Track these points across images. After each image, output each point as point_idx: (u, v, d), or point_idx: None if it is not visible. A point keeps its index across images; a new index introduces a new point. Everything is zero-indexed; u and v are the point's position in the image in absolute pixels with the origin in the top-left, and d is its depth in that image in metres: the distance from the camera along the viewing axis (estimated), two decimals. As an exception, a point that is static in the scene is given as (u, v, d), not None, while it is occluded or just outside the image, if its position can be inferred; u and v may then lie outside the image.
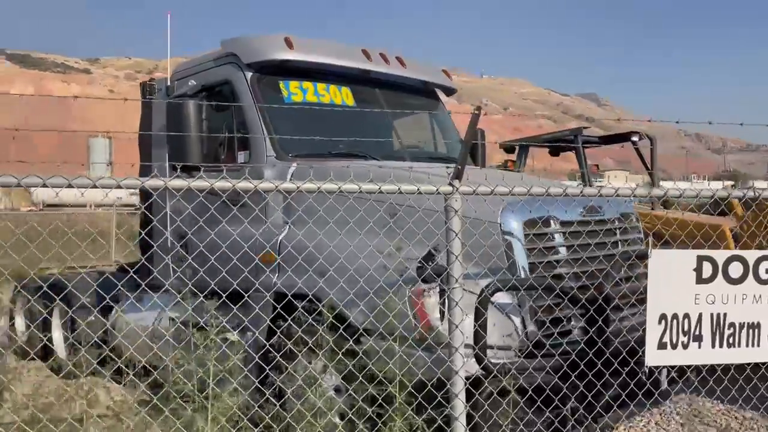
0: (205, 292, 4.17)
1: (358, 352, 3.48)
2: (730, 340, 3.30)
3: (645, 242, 4.49)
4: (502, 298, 3.52)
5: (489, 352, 3.27)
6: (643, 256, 3.30)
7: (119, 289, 5.67)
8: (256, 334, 4.36)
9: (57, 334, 7.08)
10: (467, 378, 3.14)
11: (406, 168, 4.20)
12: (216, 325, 3.95)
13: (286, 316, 3.77)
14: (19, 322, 7.88)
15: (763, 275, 3.40)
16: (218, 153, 5.07)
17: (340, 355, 3.45)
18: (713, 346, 3.26)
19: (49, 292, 5.12)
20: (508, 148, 9.30)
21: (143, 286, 5.08)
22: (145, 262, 5.28)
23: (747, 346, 3.33)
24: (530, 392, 3.24)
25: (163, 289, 4.99)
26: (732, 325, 3.31)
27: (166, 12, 5.69)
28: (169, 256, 5.23)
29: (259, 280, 4.35)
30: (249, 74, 5.02)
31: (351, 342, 3.47)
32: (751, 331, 3.34)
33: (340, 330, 3.55)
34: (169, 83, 5.71)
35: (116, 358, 4.66)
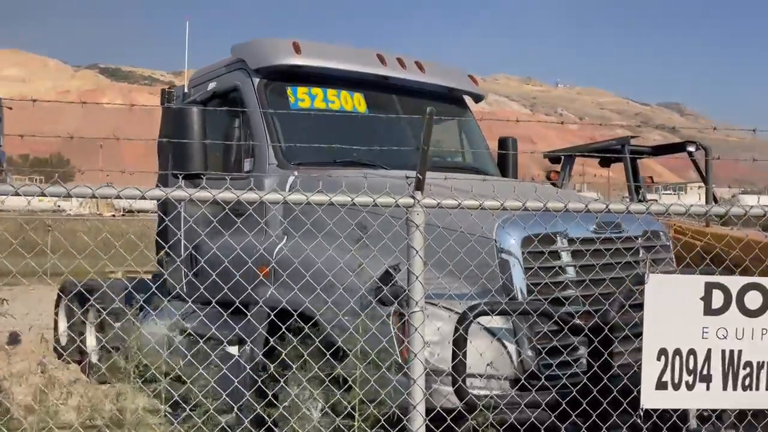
0: (209, 308, 4.05)
1: (337, 375, 3.23)
2: (746, 382, 2.79)
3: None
4: (484, 323, 3.17)
5: (467, 382, 2.93)
6: (639, 282, 2.86)
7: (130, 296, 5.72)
8: (261, 355, 4.19)
9: (90, 339, 7.19)
10: (428, 411, 2.81)
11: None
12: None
13: (287, 332, 3.59)
14: (62, 326, 8.07)
15: None
16: (225, 161, 4.97)
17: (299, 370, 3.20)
18: (725, 388, 2.76)
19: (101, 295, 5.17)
20: (553, 159, 8.82)
21: (138, 299, 5.02)
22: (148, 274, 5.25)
23: (767, 389, 2.83)
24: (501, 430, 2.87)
25: (168, 299, 4.94)
26: (748, 364, 2.79)
27: (186, 19, 5.64)
28: (172, 267, 5.14)
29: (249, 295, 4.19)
30: (256, 80, 4.89)
31: (306, 361, 3.22)
32: (771, 372, 2.83)
33: (303, 340, 3.32)
34: (186, 90, 5.69)
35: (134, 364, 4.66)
